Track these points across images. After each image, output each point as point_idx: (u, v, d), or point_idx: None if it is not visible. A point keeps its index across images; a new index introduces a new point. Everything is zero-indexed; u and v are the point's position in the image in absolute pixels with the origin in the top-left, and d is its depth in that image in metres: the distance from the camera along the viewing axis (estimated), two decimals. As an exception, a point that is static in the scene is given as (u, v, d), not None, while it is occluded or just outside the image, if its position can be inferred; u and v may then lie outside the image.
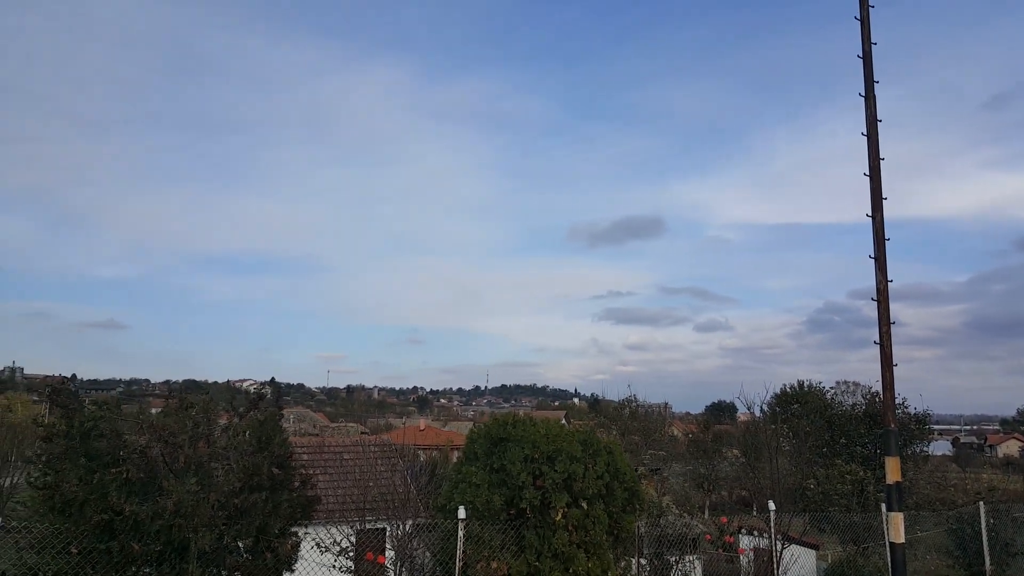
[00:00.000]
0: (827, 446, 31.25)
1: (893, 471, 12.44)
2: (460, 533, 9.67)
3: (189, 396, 8.66)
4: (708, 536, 14.08)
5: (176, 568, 7.61)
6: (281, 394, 9.00)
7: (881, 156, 13.43)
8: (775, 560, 12.89)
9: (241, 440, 8.34)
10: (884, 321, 13.04)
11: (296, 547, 8.56)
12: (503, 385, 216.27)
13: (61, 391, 7.96)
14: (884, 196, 13.42)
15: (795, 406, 43.72)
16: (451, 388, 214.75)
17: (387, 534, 13.40)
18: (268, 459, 8.18)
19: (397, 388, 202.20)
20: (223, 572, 8.01)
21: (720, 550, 14.55)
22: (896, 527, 12.14)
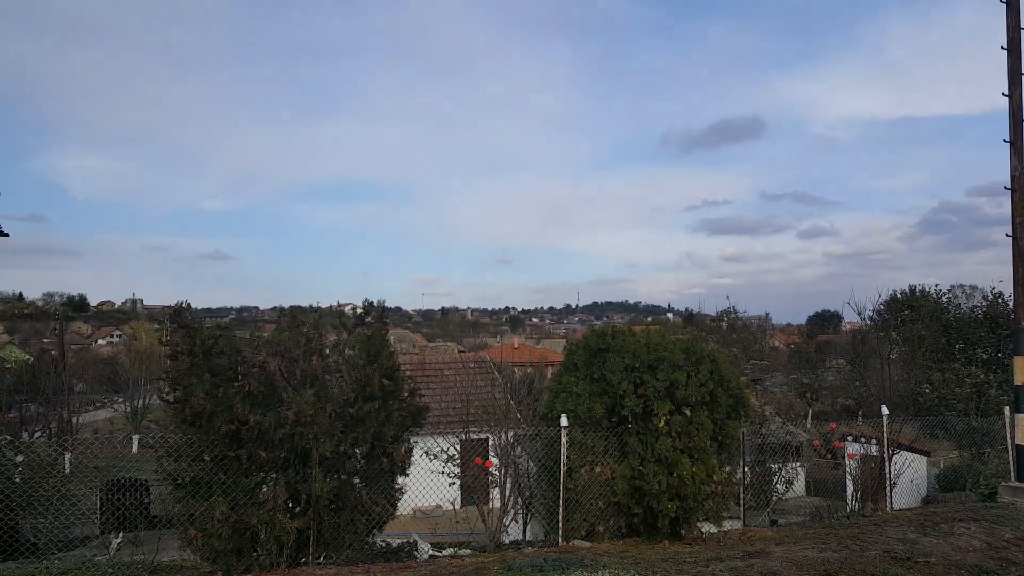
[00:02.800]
0: (943, 351, 29.79)
1: (1023, 371, 11.72)
2: (563, 439, 9.83)
3: (300, 315, 8.99)
4: (816, 442, 13.80)
5: (300, 473, 8.10)
6: (385, 311, 9.21)
7: (1022, 26, 12.05)
8: (888, 465, 12.54)
9: (352, 354, 8.64)
10: (1019, 211, 12.02)
11: (409, 452, 8.93)
12: (594, 303, 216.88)
13: (181, 312, 8.42)
14: (1023, 72, 12.11)
15: (906, 312, 41.96)
16: (542, 307, 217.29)
17: (489, 443, 13.87)
18: (378, 371, 8.46)
19: (490, 308, 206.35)
20: (343, 476, 8.48)
21: (828, 456, 14.26)
22: None
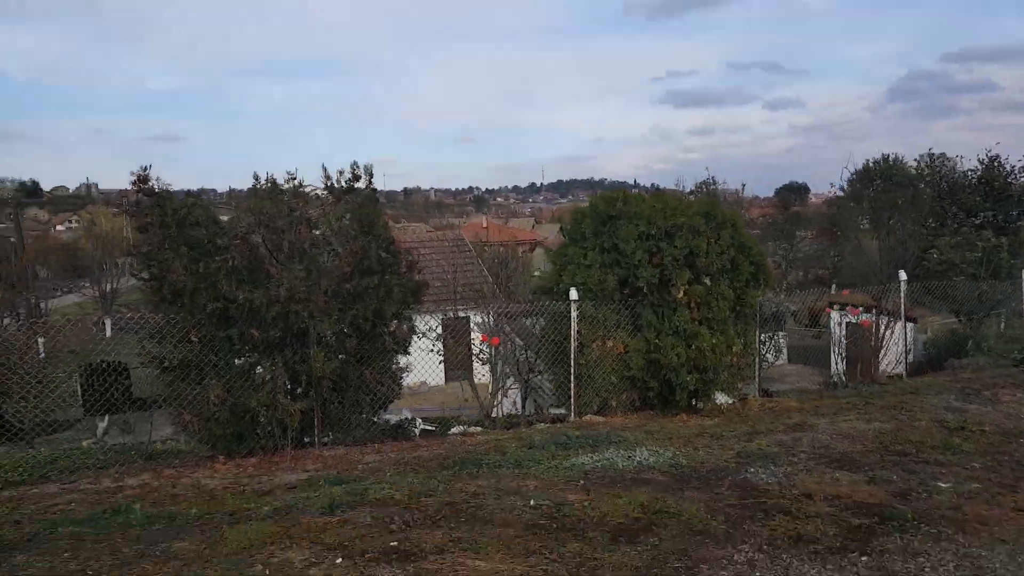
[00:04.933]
0: (935, 216, 29.46)
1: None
2: (573, 314, 9.24)
3: (278, 181, 7.97)
4: (828, 309, 13.53)
5: (298, 353, 7.42)
6: (373, 176, 8.21)
7: None
8: (904, 332, 12.30)
9: (344, 224, 7.74)
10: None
11: (412, 330, 8.27)
12: (559, 180, 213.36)
13: (146, 179, 7.36)
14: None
15: (878, 182, 41.94)
16: (506, 186, 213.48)
17: (471, 321, 13.41)
18: (375, 242, 7.61)
19: (452, 189, 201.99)
20: (342, 356, 7.82)
21: (845, 322, 13.96)
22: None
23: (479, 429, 9.27)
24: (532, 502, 5.53)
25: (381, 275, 7.83)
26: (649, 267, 9.14)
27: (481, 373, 12.80)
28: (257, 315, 7.10)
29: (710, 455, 6.73)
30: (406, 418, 10.81)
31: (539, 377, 11.22)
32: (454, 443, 8.12)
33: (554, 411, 11.44)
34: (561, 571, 4.33)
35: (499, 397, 11.45)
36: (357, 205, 8.01)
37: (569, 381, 9.44)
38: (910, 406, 8.49)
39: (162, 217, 7.04)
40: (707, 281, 9.14)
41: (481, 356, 11.69)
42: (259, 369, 7.40)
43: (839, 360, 15.83)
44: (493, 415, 10.88)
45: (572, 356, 9.30)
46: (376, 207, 7.96)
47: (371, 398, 8.12)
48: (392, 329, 7.94)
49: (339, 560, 4.56)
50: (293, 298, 7.06)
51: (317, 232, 7.67)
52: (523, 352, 11.23)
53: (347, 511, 5.46)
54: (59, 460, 7.73)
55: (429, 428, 10.98)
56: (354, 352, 7.78)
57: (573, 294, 9.21)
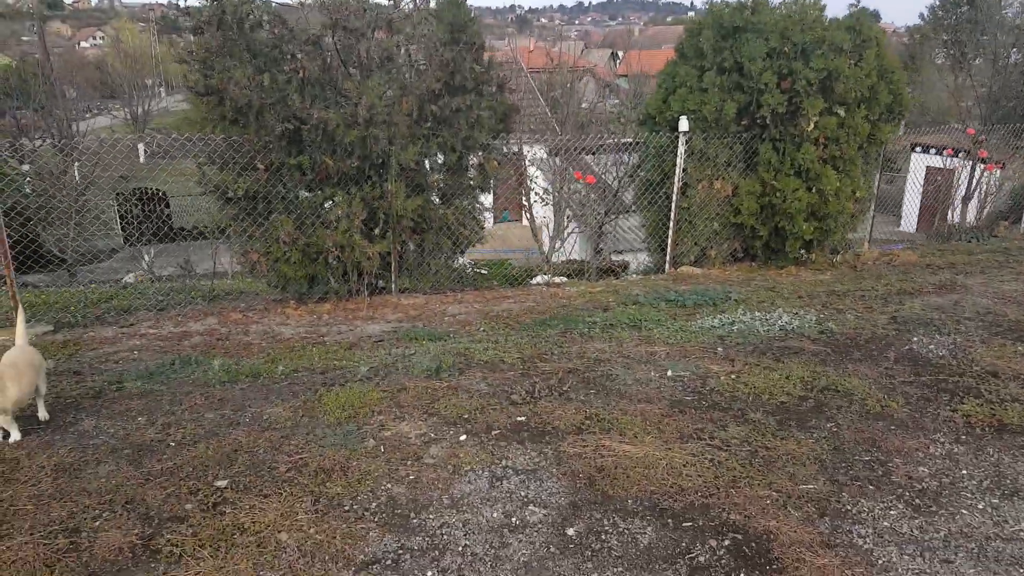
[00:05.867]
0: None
1: None
2: (680, 149, 8.01)
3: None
4: (949, 151, 12.04)
5: (377, 188, 6.41)
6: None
7: None
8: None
9: (431, 31, 6.39)
10: None
11: (501, 164, 7.17)
12: (609, 0, 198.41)
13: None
14: None
15: (964, 9, 38.36)
16: (551, 5, 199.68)
17: (525, 157, 12.22)
18: (467, 53, 6.31)
19: (492, 7, 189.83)
20: (424, 192, 6.83)
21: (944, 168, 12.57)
22: None
23: (564, 279, 8.43)
24: (670, 372, 4.75)
25: (473, 94, 6.62)
26: (777, 92, 7.74)
27: (541, 215, 11.79)
28: (332, 140, 6.03)
29: (860, 320, 5.83)
30: (463, 263, 10.03)
31: (610, 222, 10.21)
32: (541, 294, 7.32)
33: (616, 258, 10.54)
34: (731, 463, 3.57)
35: (557, 243, 10.55)
36: (445, 4, 6.63)
37: (666, 227, 8.41)
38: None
39: (220, 15, 5.77)
40: (840, 112, 7.76)
41: (544, 197, 10.63)
42: (328, 204, 6.47)
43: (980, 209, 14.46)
44: (552, 260, 10.06)
45: (674, 199, 8.20)
46: (467, 7, 6.53)
47: (452, 241, 7.21)
48: (481, 161, 6.85)
49: (463, 437, 3.87)
50: (373, 120, 5.94)
51: (399, 37, 6.36)
52: (587, 193, 10.15)
53: (455, 375, 4.74)
54: (114, 299, 7.13)
55: (481, 271, 10.23)
56: (437, 187, 6.77)
57: (683, 124, 7.92)
